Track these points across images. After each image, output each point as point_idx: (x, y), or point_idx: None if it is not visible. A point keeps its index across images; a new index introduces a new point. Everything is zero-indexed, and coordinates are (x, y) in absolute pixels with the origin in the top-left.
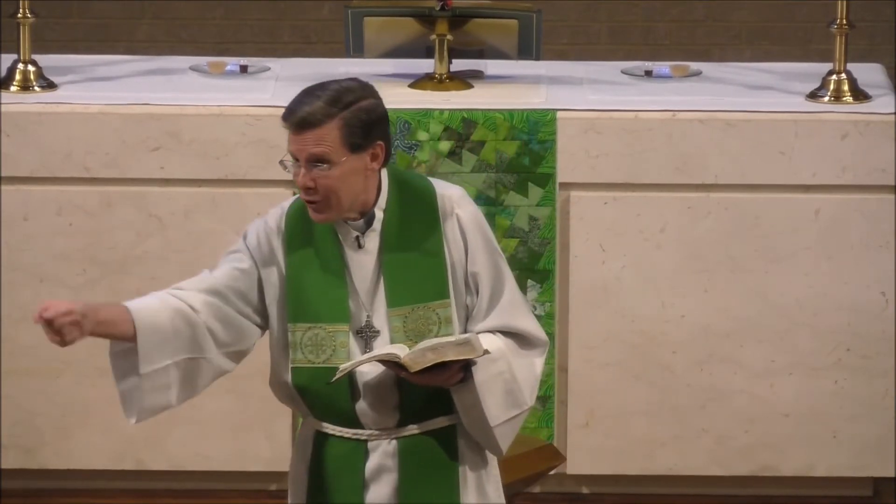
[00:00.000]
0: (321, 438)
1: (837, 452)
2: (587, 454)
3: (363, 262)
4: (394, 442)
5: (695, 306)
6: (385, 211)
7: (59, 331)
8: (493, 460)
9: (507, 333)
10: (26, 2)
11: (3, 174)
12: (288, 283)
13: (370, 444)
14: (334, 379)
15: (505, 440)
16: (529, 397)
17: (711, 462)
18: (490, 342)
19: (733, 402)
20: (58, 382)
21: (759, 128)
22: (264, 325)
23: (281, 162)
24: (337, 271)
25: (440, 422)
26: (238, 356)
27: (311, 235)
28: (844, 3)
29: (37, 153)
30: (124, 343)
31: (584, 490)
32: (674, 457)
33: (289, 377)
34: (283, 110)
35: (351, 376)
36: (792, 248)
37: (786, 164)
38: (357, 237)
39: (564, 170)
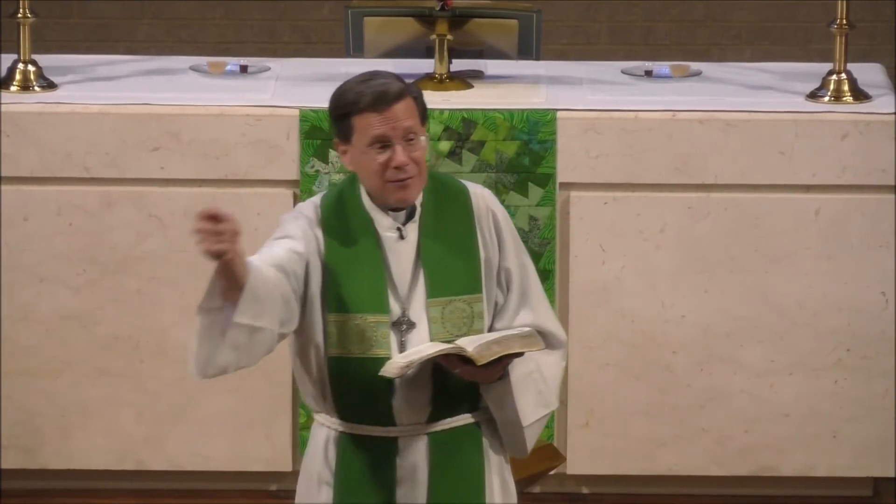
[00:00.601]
0: (347, 440)
1: (837, 452)
2: (587, 454)
3: (402, 253)
4: (424, 438)
5: (695, 306)
6: (423, 205)
7: (220, 232)
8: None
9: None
10: (26, 2)
11: (3, 174)
12: (329, 274)
13: (401, 442)
14: (392, 375)
15: (531, 440)
16: (556, 398)
17: (711, 462)
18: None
19: (733, 403)
20: (58, 382)
21: (759, 128)
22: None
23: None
24: (376, 263)
25: (466, 418)
26: (280, 340)
27: (348, 227)
28: (844, 3)
29: (37, 153)
30: (216, 300)
31: (584, 490)
32: (674, 457)
33: (323, 370)
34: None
35: (375, 368)
36: (792, 248)
37: (786, 164)
38: (399, 228)
39: (564, 170)
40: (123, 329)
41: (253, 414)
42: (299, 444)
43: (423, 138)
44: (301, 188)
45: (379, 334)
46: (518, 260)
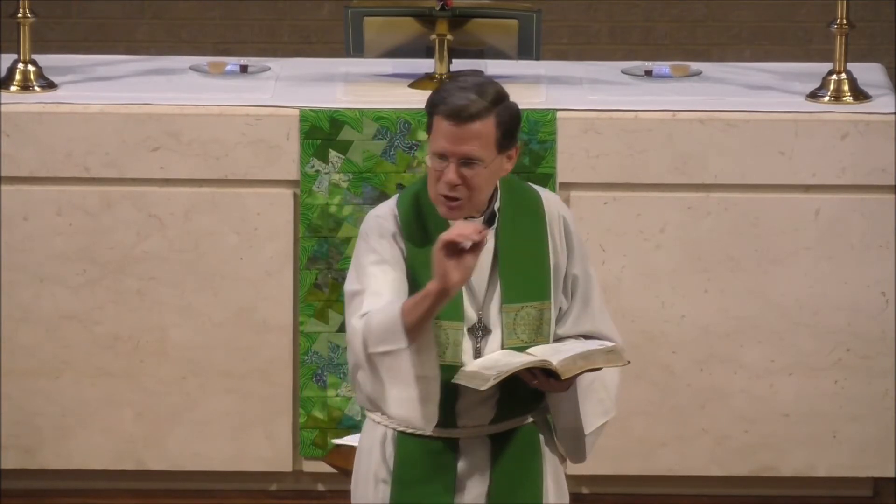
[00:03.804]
0: (406, 439)
1: (837, 452)
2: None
3: (480, 260)
4: (487, 440)
5: (695, 306)
6: (501, 210)
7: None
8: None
9: (592, 339)
10: (26, 2)
11: (3, 174)
12: (409, 279)
13: (462, 443)
14: (484, 388)
15: (591, 447)
16: (615, 405)
17: (711, 462)
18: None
19: (733, 402)
20: (58, 382)
21: (759, 128)
22: None
23: (425, 159)
24: None
25: (525, 419)
26: None
27: (427, 232)
28: (844, 3)
29: (37, 153)
30: (402, 339)
31: (584, 490)
32: (674, 457)
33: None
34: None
35: (450, 375)
36: (792, 248)
37: (786, 164)
38: None
39: (564, 170)
40: (123, 329)
41: (253, 414)
42: (299, 444)
43: (487, 165)
44: (301, 188)
45: (453, 341)
46: (583, 267)
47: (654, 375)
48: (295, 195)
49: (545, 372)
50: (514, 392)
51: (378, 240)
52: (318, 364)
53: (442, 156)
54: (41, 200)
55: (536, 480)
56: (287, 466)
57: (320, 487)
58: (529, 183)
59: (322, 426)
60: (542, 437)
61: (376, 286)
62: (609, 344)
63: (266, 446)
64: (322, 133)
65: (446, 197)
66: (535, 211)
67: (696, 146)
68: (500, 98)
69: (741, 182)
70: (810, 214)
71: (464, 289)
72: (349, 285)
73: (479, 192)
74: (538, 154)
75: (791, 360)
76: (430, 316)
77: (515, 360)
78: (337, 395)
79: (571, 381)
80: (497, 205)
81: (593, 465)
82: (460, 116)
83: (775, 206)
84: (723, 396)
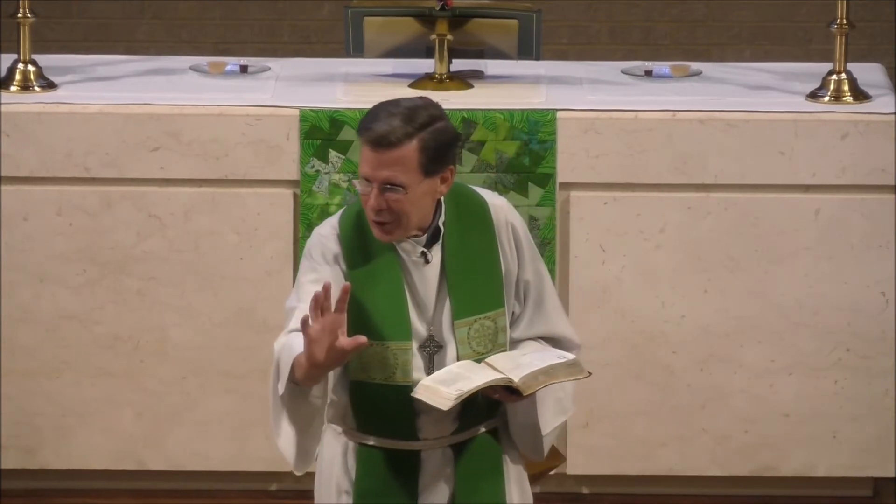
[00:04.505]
0: (366, 451)
1: (837, 452)
2: (587, 454)
3: (427, 276)
4: (448, 450)
5: (695, 306)
6: (446, 225)
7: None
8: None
9: (549, 339)
10: (26, 2)
11: (3, 174)
12: (351, 300)
13: (424, 454)
14: (447, 408)
15: (548, 445)
16: (572, 403)
17: (711, 462)
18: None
19: (733, 402)
20: (58, 382)
21: (759, 128)
22: None
23: (350, 182)
24: (398, 287)
25: (486, 424)
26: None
27: (370, 251)
28: (844, 3)
29: (37, 153)
30: (286, 385)
31: (584, 490)
32: (674, 457)
33: (345, 393)
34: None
35: (402, 394)
36: (792, 248)
37: (786, 164)
38: (423, 252)
39: (564, 170)
40: (123, 329)
41: (253, 414)
42: None
43: (411, 191)
44: (301, 188)
45: (401, 361)
46: (534, 269)
47: (654, 375)
48: (295, 195)
49: (507, 388)
50: (474, 403)
51: (319, 258)
52: None
53: (367, 180)
54: (41, 200)
55: (499, 486)
56: (287, 466)
57: None
58: (476, 188)
59: None
60: (503, 441)
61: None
62: (570, 356)
63: (266, 446)
64: (322, 133)
65: (374, 221)
66: (482, 220)
67: (696, 146)
68: (429, 122)
69: (741, 182)
70: (810, 214)
71: (411, 306)
72: (288, 301)
73: (408, 216)
74: (538, 154)
75: (791, 360)
76: (311, 379)
77: (477, 377)
78: None
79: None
80: (442, 219)
81: (593, 465)
82: (379, 143)
83: (775, 206)
84: (723, 396)
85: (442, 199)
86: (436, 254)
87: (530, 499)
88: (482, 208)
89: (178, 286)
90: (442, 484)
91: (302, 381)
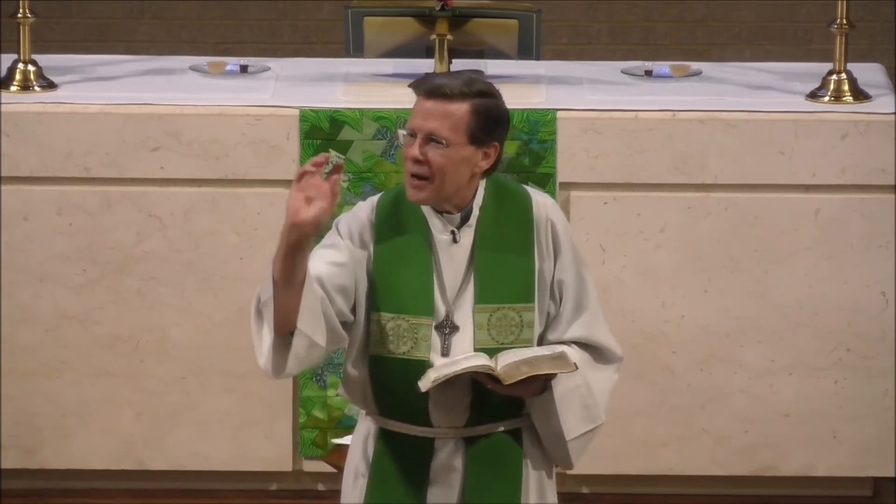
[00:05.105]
0: (385, 436)
1: (837, 452)
2: (587, 454)
3: (455, 257)
4: (461, 441)
5: (695, 306)
6: (481, 209)
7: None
8: (551, 464)
9: (585, 346)
10: (26, 2)
11: (3, 174)
12: (376, 274)
13: (437, 443)
14: (425, 388)
15: (577, 454)
16: (604, 412)
17: (711, 462)
18: (570, 356)
19: (733, 402)
20: (58, 382)
21: (759, 128)
22: (349, 324)
23: (396, 133)
24: (425, 264)
25: (508, 423)
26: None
27: (402, 228)
28: (844, 3)
29: (37, 153)
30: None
31: (584, 490)
32: (674, 457)
33: (365, 367)
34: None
35: (416, 370)
36: (792, 248)
37: (786, 164)
38: (452, 231)
39: (564, 170)
40: (123, 329)
41: (253, 414)
42: (299, 444)
43: (452, 149)
44: None
45: (420, 336)
46: (575, 272)
47: (654, 375)
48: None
49: (494, 377)
50: (489, 396)
51: (345, 226)
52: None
53: (412, 133)
54: (41, 200)
55: (513, 488)
56: (287, 466)
57: (320, 487)
58: (527, 186)
59: (322, 426)
60: (527, 443)
61: (313, 264)
62: (558, 349)
63: (266, 446)
64: (322, 133)
65: (412, 175)
66: (522, 212)
67: (696, 146)
68: (486, 93)
69: (741, 182)
70: (810, 214)
71: (433, 285)
72: None
73: (443, 175)
74: (538, 154)
75: (791, 360)
76: (288, 259)
77: (461, 364)
78: (337, 395)
79: (534, 386)
80: (479, 202)
81: (593, 465)
82: (435, 93)
83: (775, 206)
84: (723, 396)
85: (482, 184)
86: (466, 236)
87: (552, 500)
88: (524, 200)
89: (178, 286)
90: (453, 476)
91: (279, 268)
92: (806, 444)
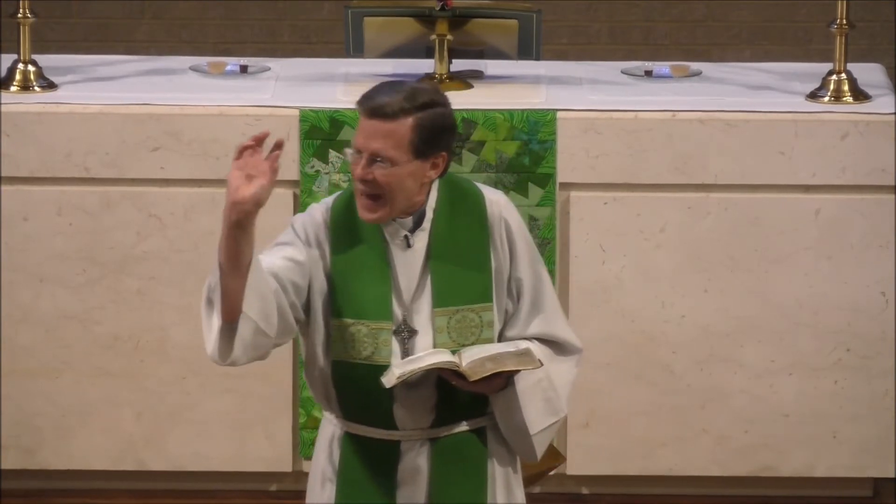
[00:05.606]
0: (350, 440)
1: (837, 452)
2: (587, 454)
3: (409, 261)
4: (427, 443)
5: (695, 306)
6: (435, 211)
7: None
8: (517, 460)
9: (544, 341)
10: (26, 2)
11: (3, 174)
12: (334, 278)
13: (403, 445)
14: (389, 385)
15: (541, 447)
16: (566, 404)
17: (711, 462)
18: (535, 352)
19: (733, 402)
20: (58, 382)
21: (759, 128)
22: (301, 323)
23: (344, 151)
24: (382, 269)
25: (473, 423)
26: (272, 349)
27: (357, 232)
28: (844, 3)
29: (37, 153)
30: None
31: (584, 490)
32: (674, 457)
33: (327, 373)
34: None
35: (374, 374)
36: (792, 248)
37: (786, 164)
38: (406, 236)
39: (564, 170)
40: (123, 329)
41: (253, 414)
42: (299, 444)
43: (398, 167)
44: (301, 188)
45: (380, 341)
46: (531, 269)
47: (654, 375)
48: (295, 195)
49: (459, 374)
50: (453, 397)
51: (298, 225)
52: None
53: (358, 151)
54: (41, 200)
55: (479, 486)
56: (287, 466)
57: None
58: (479, 184)
59: None
60: (491, 442)
61: (269, 258)
62: (522, 346)
63: (266, 446)
64: (322, 133)
65: (362, 195)
66: (476, 212)
67: (696, 146)
68: (429, 104)
69: (741, 182)
70: (810, 214)
71: (390, 289)
72: None
73: (392, 193)
74: (538, 154)
75: (791, 360)
76: (231, 239)
77: (425, 361)
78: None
79: (497, 382)
80: (433, 205)
81: (593, 465)
82: (376, 112)
83: (775, 206)
84: (723, 396)
85: (435, 185)
86: (421, 240)
87: (521, 499)
88: (477, 200)
89: (178, 286)
90: (420, 478)
91: (223, 251)
92: (806, 444)
